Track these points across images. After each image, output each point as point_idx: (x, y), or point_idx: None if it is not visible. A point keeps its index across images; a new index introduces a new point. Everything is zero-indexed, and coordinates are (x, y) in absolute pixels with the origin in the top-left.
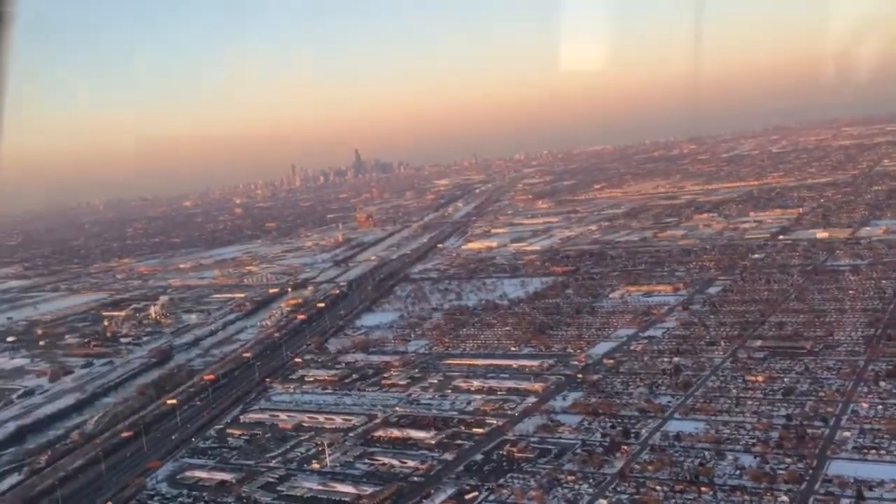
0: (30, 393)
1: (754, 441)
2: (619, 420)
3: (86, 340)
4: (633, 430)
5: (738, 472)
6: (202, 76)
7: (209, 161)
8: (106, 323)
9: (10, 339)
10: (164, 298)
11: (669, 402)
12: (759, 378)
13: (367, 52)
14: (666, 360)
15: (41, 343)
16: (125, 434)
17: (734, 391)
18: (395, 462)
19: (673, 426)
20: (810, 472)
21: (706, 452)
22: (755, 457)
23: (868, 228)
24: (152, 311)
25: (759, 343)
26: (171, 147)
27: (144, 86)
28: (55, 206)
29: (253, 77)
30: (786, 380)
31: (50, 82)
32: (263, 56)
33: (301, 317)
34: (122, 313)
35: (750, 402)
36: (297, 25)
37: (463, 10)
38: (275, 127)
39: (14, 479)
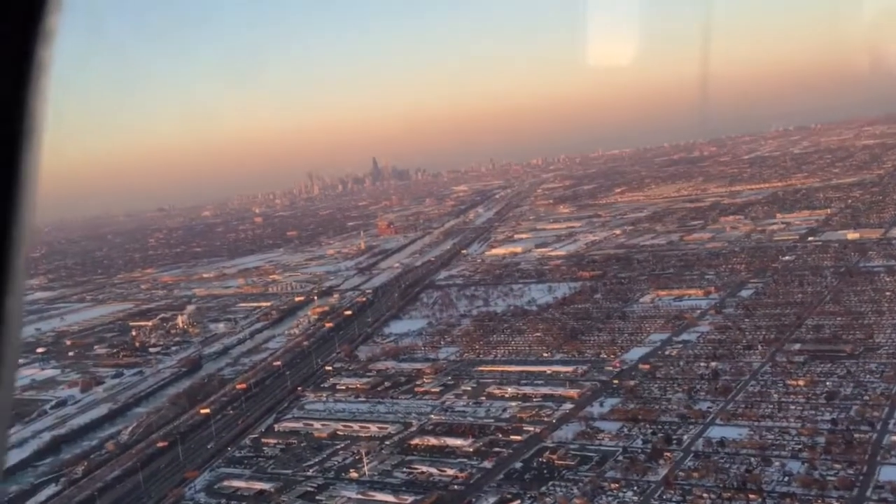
0: (62, 403)
1: (801, 447)
2: (660, 426)
3: (115, 350)
4: (674, 437)
5: (786, 478)
6: (215, 85)
7: (225, 171)
8: (134, 333)
9: (39, 350)
10: (191, 308)
11: (710, 407)
12: (801, 382)
13: (378, 60)
14: (703, 364)
15: (70, 354)
16: (160, 444)
17: (776, 396)
18: (433, 470)
19: (715, 432)
20: (861, 478)
21: (752, 459)
22: (803, 463)
23: None
24: (179, 320)
25: (797, 347)
26: (187, 157)
27: (157, 97)
28: (76, 217)
29: (266, 85)
30: (828, 384)
31: (62, 94)
32: (275, 64)
33: (329, 325)
34: (150, 323)
35: (793, 407)
36: (311, 33)
37: (475, 15)
38: (289, 136)
39: (52, 489)
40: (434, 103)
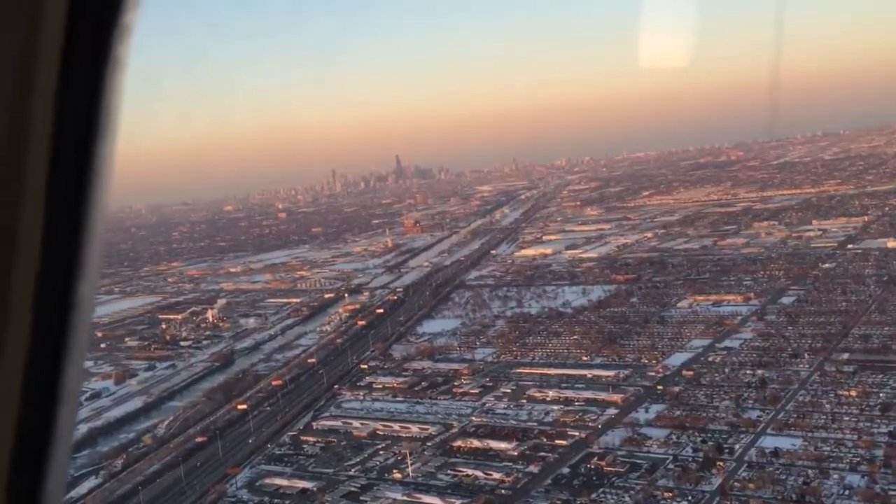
0: (97, 395)
1: (858, 459)
2: (709, 434)
3: (146, 343)
4: (725, 446)
5: (846, 492)
6: (237, 82)
7: (246, 166)
8: (164, 326)
9: None
10: (221, 302)
11: (759, 416)
12: (853, 393)
13: (400, 58)
14: (749, 372)
15: (102, 346)
16: (199, 439)
17: (828, 406)
18: (478, 473)
19: (767, 442)
20: None
21: (809, 471)
22: (863, 476)
23: None
24: (210, 314)
25: (845, 356)
26: (208, 152)
27: (181, 92)
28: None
29: (287, 82)
30: (881, 395)
31: None
32: (298, 61)
33: (361, 323)
34: (180, 316)
35: (846, 418)
36: (332, 29)
37: (498, 16)
38: (311, 133)
39: (92, 482)
40: (457, 103)
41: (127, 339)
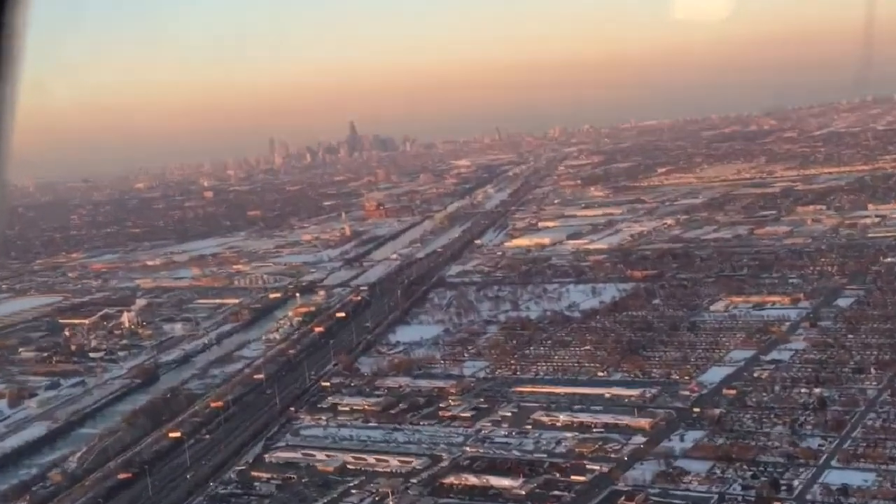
0: None
1: None
2: (761, 468)
3: (46, 355)
4: (782, 482)
5: None
6: (154, 29)
7: (164, 135)
8: (68, 333)
9: None
10: (140, 303)
11: (821, 445)
12: None
13: (352, 2)
14: (804, 390)
15: None
16: (122, 475)
17: None
18: None
19: (833, 477)
20: None
21: None
22: None
23: None
24: (126, 318)
25: None
26: (115, 118)
27: (87, 44)
28: None
29: (209, 31)
30: None
31: None
32: (231, 10)
33: (318, 329)
34: (87, 321)
35: None
36: None
37: None
38: (242, 93)
39: None
40: (425, 58)
41: (21, 349)
